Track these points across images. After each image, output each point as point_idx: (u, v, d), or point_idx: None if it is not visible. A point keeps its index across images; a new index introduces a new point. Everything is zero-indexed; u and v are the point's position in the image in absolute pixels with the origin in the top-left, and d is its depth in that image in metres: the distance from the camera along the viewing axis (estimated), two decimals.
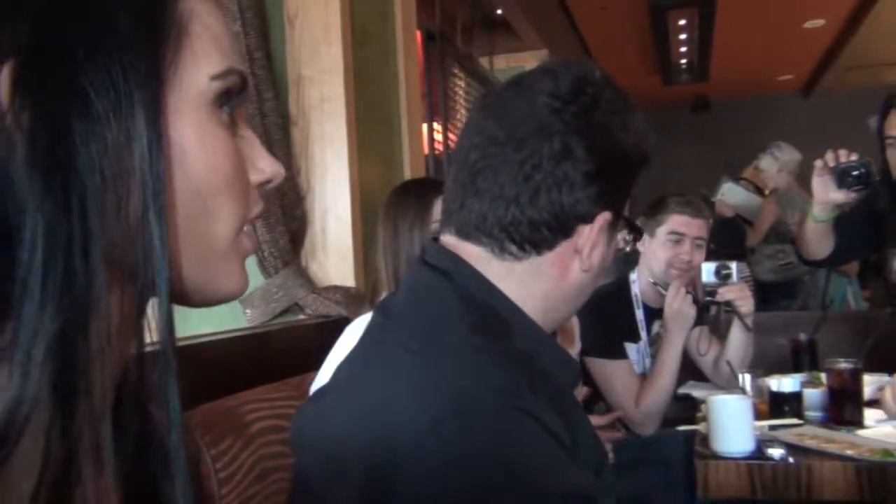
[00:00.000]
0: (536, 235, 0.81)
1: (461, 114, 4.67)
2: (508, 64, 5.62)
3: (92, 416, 0.42)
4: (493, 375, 0.72)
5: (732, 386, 1.76)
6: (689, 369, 2.14)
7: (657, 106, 9.97)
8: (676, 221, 2.04)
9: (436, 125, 4.37)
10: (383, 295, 1.53)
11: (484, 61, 5.27)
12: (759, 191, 4.42)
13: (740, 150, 9.83)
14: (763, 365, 2.14)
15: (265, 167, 0.54)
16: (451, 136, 4.38)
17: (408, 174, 2.77)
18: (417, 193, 1.56)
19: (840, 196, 1.98)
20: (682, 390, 2.08)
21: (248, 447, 1.23)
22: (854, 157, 1.96)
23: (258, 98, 2.21)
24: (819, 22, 7.11)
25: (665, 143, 9.51)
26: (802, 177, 4.35)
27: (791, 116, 10.17)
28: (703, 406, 1.87)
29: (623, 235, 0.87)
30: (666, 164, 10.04)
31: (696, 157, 10.19)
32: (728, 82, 8.86)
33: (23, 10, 0.42)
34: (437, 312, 0.79)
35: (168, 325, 0.45)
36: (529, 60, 5.73)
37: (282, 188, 2.27)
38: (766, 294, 3.87)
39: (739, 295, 1.95)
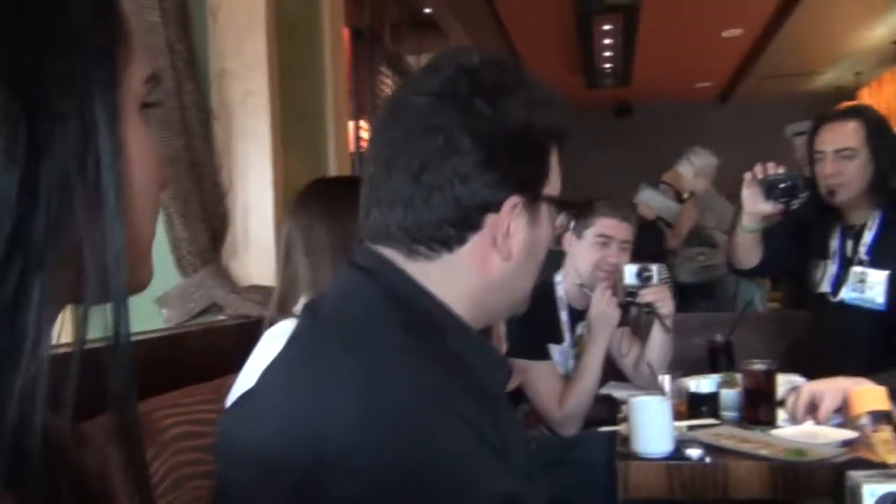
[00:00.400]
0: (440, 234, 0.80)
1: None
2: None
3: None
4: (423, 378, 0.72)
5: (652, 387, 1.79)
6: (610, 369, 2.17)
7: (582, 109, 10.14)
8: (604, 224, 2.06)
9: (362, 123, 4.34)
10: (300, 299, 1.49)
11: (412, 60, 5.26)
12: (678, 194, 4.53)
13: (661, 154, 10.13)
14: (681, 365, 2.18)
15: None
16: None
17: (333, 172, 2.73)
18: (331, 191, 1.51)
19: (768, 207, 2.05)
20: (603, 391, 2.10)
21: (161, 454, 1.18)
22: (782, 170, 2.03)
23: (178, 91, 2.14)
24: (737, 31, 7.34)
25: (589, 146, 9.70)
26: (720, 181, 4.48)
27: (709, 122, 10.47)
28: (623, 407, 1.89)
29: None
30: (589, 167, 10.23)
31: (618, 160, 10.40)
32: (650, 88, 9.07)
33: None
34: (365, 314, 0.78)
35: (126, 326, 0.46)
36: None
37: (202, 184, 2.21)
38: (685, 295, 3.96)
39: (660, 297, 1.99)
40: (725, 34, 7.39)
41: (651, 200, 4.24)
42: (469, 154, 0.79)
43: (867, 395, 1.52)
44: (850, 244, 2.12)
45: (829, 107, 8.71)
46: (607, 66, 8.07)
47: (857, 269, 2.06)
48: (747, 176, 2.06)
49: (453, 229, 0.80)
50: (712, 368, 2.17)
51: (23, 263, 0.40)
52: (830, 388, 1.61)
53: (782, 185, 2.00)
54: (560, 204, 0.86)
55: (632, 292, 1.99)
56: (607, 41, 7.22)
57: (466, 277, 0.82)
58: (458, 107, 0.79)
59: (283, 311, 1.47)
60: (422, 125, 0.80)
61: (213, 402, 1.41)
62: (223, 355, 1.85)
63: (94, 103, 0.44)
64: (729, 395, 1.71)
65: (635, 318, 2.13)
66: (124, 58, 0.47)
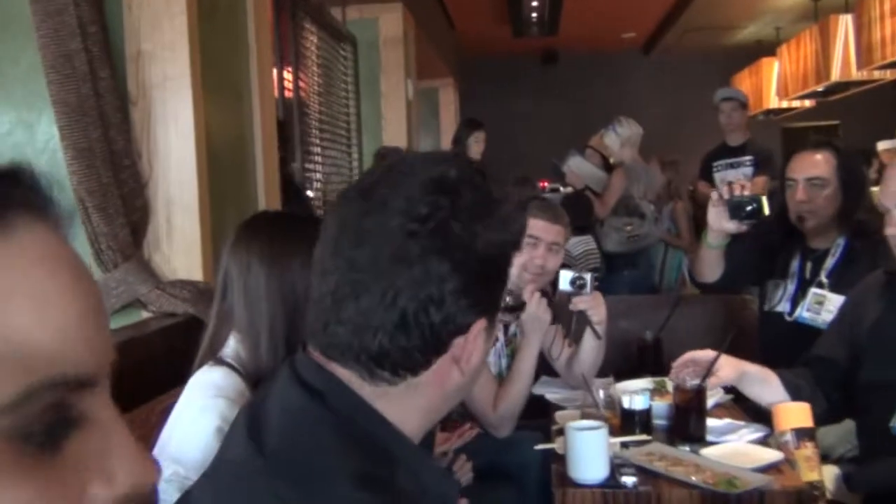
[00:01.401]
0: (409, 361, 0.77)
1: (313, 70, 4.51)
2: (362, 15, 5.44)
3: None
4: None
5: (585, 391, 1.81)
6: (542, 364, 2.19)
7: (508, 57, 10.07)
8: (532, 224, 2.05)
9: (286, 75, 4.19)
10: (230, 339, 1.41)
11: (336, 12, 5.08)
12: (604, 160, 4.57)
13: (587, 102, 10.19)
14: (608, 348, 2.21)
15: (121, 475, 0.39)
16: (301, 77, 4.20)
17: (259, 155, 2.64)
18: (271, 229, 1.43)
19: (731, 226, 2.11)
20: (535, 390, 2.12)
21: None
22: (747, 192, 2.08)
23: (92, 78, 2.01)
24: None
25: (516, 94, 9.67)
26: (645, 132, 4.52)
27: (633, 72, 10.58)
28: (558, 415, 1.92)
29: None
30: (514, 116, 10.23)
31: (543, 108, 10.42)
32: (576, 37, 9.06)
33: None
34: (315, 457, 0.74)
35: None
36: (382, 12, 5.60)
37: (121, 176, 2.10)
38: (612, 263, 4.04)
39: (592, 305, 2.00)
40: None
41: (578, 168, 4.26)
42: (446, 281, 0.75)
43: (791, 411, 1.58)
44: (809, 266, 2.21)
45: (750, 59, 8.93)
46: (534, 14, 7.99)
47: (816, 291, 2.14)
48: (714, 195, 2.13)
49: (422, 355, 0.77)
50: (640, 366, 2.22)
51: None
52: (729, 365, 1.71)
53: (748, 208, 2.06)
54: (511, 310, 0.85)
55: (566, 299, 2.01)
56: None
57: (425, 395, 0.80)
58: (435, 234, 0.75)
59: (213, 350, 1.41)
60: (396, 251, 0.75)
61: (141, 438, 1.36)
62: (150, 368, 1.78)
63: None
64: (660, 407, 1.75)
65: (568, 323, 2.14)
66: None
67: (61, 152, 1.99)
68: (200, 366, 1.38)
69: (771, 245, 2.27)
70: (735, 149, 4.59)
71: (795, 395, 1.70)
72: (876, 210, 1.65)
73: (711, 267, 2.25)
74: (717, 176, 4.60)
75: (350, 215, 0.79)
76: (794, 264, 2.23)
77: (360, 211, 0.78)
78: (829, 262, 2.16)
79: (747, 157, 4.53)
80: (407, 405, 0.79)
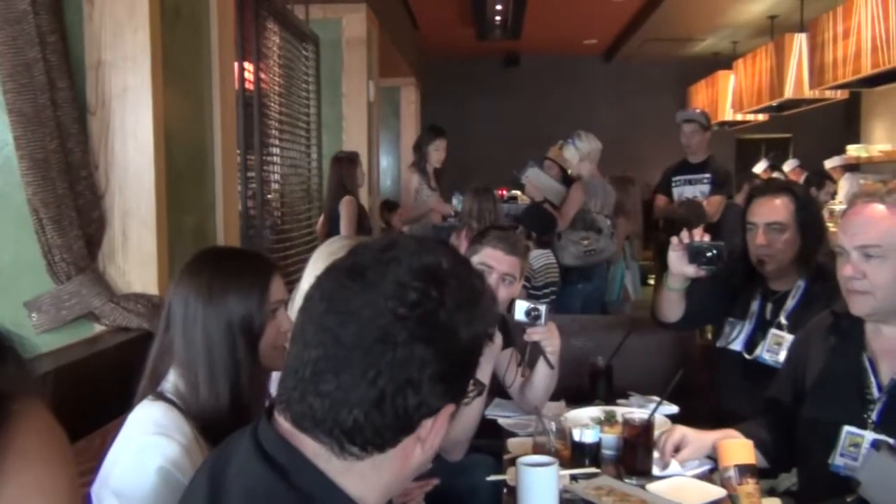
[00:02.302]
0: (379, 438, 0.79)
1: (274, 70, 4.46)
2: (325, 15, 5.41)
3: None
4: None
5: (536, 419, 1.84)
6: (496, 386, 2.22)
7: (470, 59, 10.09)
8: (489, 254, 2.07)
9: (247, 67, 4.14)
10: (170, 373, 1.40)
11: (300, 11, 5.04)
12: (562, 171, 4.62)
13: (546, 104, 10.27)
14: (561, 366, 2.23)
15: None
16: (262, 76, 4.15)
17: (219, 163, 2.62)
18: (211, 269, 1.42)
19: (690, 270, 2.15)
20: (488, 412, 2.15)
21: None
22: (707, 238, 2.13)
23: (50, 88, 1.97)
24: None
25: (477, 95, 9.70)
26: (602, 136, 4.56)
27: (592, 77, 10.69)
28: (510, 443, 1.95)
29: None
30: (474, 117, 10.27)
31: (503, 109, 10.48)
32: (538, 41, 9.12)
33: None
34: None
35: None
36: (346, 12, 5.57)
37: (77, 188, 2.06)
38: (567, 276, 4.09)
39: (546, 336, 2.03)
40: None
41: (537, 180, 4.30)
42: (427, 367, 0.78)
43: (734, 448, 1.63)
44: (769, 308, 2.25)
45: (707, 70, 9.11)
46: (497, 18, 8.02)
47: (776, 332, 2.19)
48: (674, 240, 2.15)
49: (392, 434, 0.80)
50: (592, 392, 2.26)
51: None
52: (697, 440, 1.73)
53: (708, 254, 2.11)
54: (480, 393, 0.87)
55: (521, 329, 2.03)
56: None
57: (388, 472, 0.82)
58: (423, 321, 0.78)
59: (154, 382, 1.40)
60: (382, 332, 0.77)
61: (84, 473, 1.35)
62: (100, 389, 1.76)
63: None
64: (609, 439, 1.79)
65: (522, 352, 2.17)
66: None
67: (16, 160, 1.96)
68: (141, 398, 1.37)
69: (732, 286, 2.32)
70: (696, 165, 4.71)
71: (763, 450, 1.74)
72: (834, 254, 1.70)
73: (672, 308, 2.29)
74: (676, 191, 4.71)
75: (338, 292, 0.81)
76: (755, 305, 2.27)
77: (349, 289, 0.80)
78: (790, 304, 2.20)
79: (705, 175, 4.63)
80: (370, 481, 0.81)
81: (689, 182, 4.65)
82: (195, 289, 1.38)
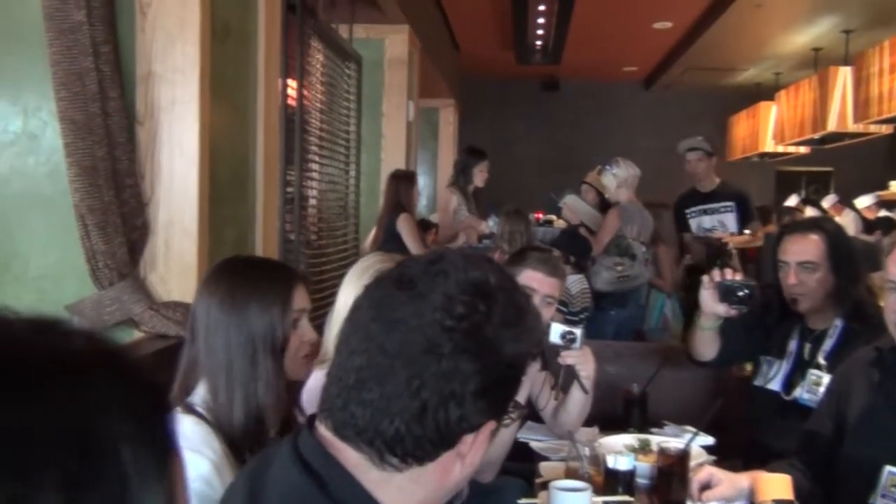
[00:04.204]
0: (420, 451, 0.79)
1: (317, 88, 4.51)
2: (368, 35, 5.47)
3: None
4: None
5: (570, 443, 1.82)
6: (528, 409, 2.20)
7: (509, 82, 10.13)
8: (530, 276, 2.06)
9: (291, 84, 4.19)
10: (200, 385, 1.40)
11: (344, 30, 5.11)
12: (600, 196, 4.60)
13: (584, 130, 10.25)
14: (595, 392, 2.21)
15: None
16: (305, 93, 4.19)
17: (261, 177, 2.65)
18: (232, 278, 1.42)
19: (721, 309, 2.13)
20: (520, 435, 2.13)
21: None
22: (739, 276, 2.11)
23: (102, 97, 2.02)
24: (667, 24, 7.44)
25: (512, 119, 9.73)
26: (639, 162, 4.51)
27: (631, 104, 10.66)
28: (542, 467, 1.93)
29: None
30: (511, 140, 10.28)
31: (540, 134, 10.49)
32: (578, 66, 9.13)
33: None
34: None
35: None
36: (389, 33, 5.62)
37: (122, 195, 2.10)
38: (599, 302, 4.06)
39: (581, 360, 2.02)
40: (656, 25, 7.48)
41: (575, 204, 4.29)
42: (470, 381, 0.78)
43: (773, 483, 1.60)
44: (808, 347, 2.20)
45: (749, 100, 8.97)
46: (538, 43, 8.04)
47: (814, 372, 2.14)
48: (705, 279, 2.13)
49: (433, 447, 0.79)
50: (626, 419, 2.23)
51: None
52: (727, 480, 1.69)
53: (739, 294, 2.08)
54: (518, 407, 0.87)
55: (556, 352, 2.02)
56: (541, 20, 7.19)
57: (426, 487, 0.81)
58: (469, 333, 0.78)
59: (185, 391, 1.40)
60: (428, 343, 0.77)
61: None
62: None
63: None
64: (644, 468, 1.76)
65: (556, 374, 2.16)
66: None
67: (64, 167, 2.00)
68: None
69: (767, 323, 2.28)
70: (708, 194, 4.58)
71: (797, 494, 1.69)
72: (873, 291, 1.66)
73: (706, 346, 2.26)
74: (693, 222, 4.59)
75: (386, 301, 0.81)
76: (792, 344, 2.23)
77: (397, 299, 0.80)
78: (828, 344, 2.15)
79: (723, 204, 4.51)
80: (407, 494, 0.80)
81: (706, 212, 4.54)
82: (217, 299, 1.38)
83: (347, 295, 1.88)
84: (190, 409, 1.35)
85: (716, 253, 4.11)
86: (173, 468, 0.47)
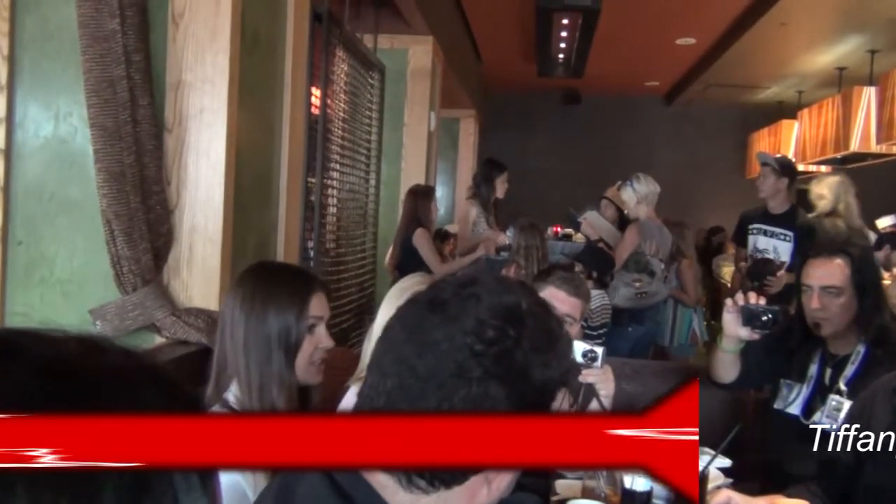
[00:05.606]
0: (447, 474, 0.80)
1: (340, 97, 4.54)
2: (392, 45, 5.51)
3: None
4: None
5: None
6: None
7: (530, 94, 10.15)
8: (552, 294, 2.07)
9: (314, 92, 4.23)
10: (232, 385, 1.44)
11: (368, 40, 5.14)
12: (618, 211, 4.60)
13: (605, 142, 10.25)
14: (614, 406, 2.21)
15: None
16: (328, 102, 4.22)
17: (284, 185, 2.67)
18: (255, 283, 1.48)
19: (744, 333, 2.12)
20: None
21: None
22: (763, 301, 2.09)
23: (132, 105, 2.04)
24: (690, 40, 7.43)
25: (533, 132, 9.72)
26: (658, 177, 4.46)
27: (652, 118, 10.65)
28: (557, 484, 1.93)
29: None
30: (531, 152, 10.29)
31: (561, 146, 10.49)
32: (600, 80, 9.13)
33: None
34: None
35: None
36: (413, 44, 5.66)
37: (149, 202, 2.12)
38: (617, 318, 4.05)
39: (601, 379, 2.02)
40: (679, 41, 7.48)
41: (595, 221, 4.29)
42: (499, 405, 0.79)
43: None
44: (829, 372, 2.19)
45: (770, 118, 8.86)
46: (561, 56, 8.05)
47: (834, 397, 2.13)
48: (728, 301, 2.12)
49: (460, 471, 0.80)
50: None
51: None
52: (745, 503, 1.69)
53: (763, 318, 2.07)
54: None
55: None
56: (564, 34, 7.20)
57: None
58: (499, 359, 0.78)
59: (219, 392, 1.44)
60: (459, 367, 0.78)
61: None
62: None
63: None
64: (661, 489, 1.76)
65: (576, 392, 2.16)
66: None
67: (93, 172, 2.02)
68: (207, 408, 1.41)
69: (788, 347, 2.26)
70: (776, 217, 4.39)
71: None
72: None
73: (727, 369, 2.25)
74: (750, 239, 4.42)
75: (418, 323, 0.82)
76: (813, 368, 2.21)
77: (429, 320, 0.81)
78: (849, 370, 2.14)
79: (787, 232, 4.32)
80: None
81: (765, 233, 4.34)
82: (240, 300, 1.44)
83: (384, 315, 1.92)
84: (226, 406, 1.40)
85: (760, 273, 3.99)
86: (216, 476, 0.49)
